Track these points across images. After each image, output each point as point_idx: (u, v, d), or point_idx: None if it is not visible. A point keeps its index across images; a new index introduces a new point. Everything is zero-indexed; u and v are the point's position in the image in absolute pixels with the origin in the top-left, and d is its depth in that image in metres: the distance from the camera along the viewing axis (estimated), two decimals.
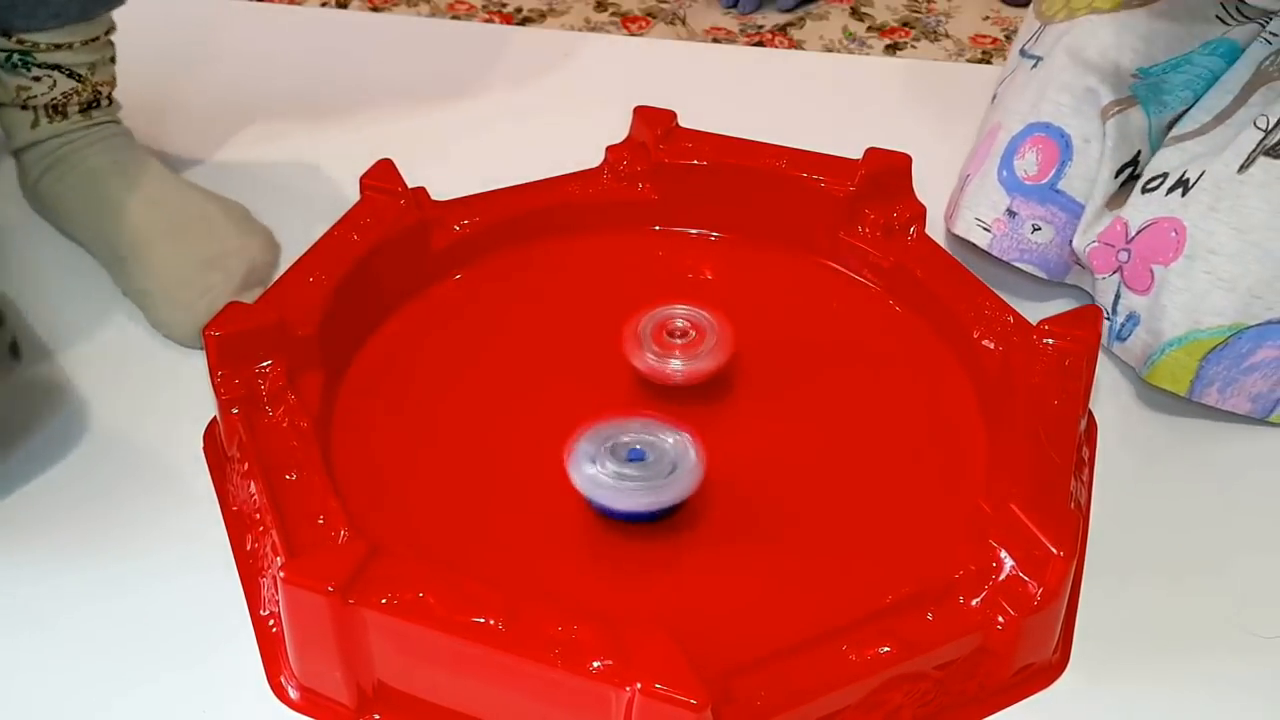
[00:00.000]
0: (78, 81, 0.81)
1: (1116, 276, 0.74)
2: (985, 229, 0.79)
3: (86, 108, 0.82)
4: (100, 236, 0.80)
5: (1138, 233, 0.73)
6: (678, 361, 0.68)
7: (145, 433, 0.72)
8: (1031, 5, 0.87)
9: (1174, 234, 0.71)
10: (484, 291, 0.78)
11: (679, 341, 0.69)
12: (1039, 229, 0.78)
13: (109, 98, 0.84)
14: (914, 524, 0.64)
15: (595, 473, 0.61)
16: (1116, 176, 0.77)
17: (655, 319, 0.70)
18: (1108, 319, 0.75)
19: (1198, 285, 0.70)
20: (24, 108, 0.82)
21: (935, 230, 0.78)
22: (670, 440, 0.62)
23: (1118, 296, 0.74)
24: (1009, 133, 0.80)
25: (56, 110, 0.81)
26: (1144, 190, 0.74)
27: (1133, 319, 0.73)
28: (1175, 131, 0.77)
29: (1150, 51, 0.78)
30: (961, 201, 0.81)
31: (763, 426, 0.70)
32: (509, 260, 0.79)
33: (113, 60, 0.84)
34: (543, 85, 1.05)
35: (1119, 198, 0.77)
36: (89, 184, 0.81)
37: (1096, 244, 0.75)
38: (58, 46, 0.80)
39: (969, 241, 0.81)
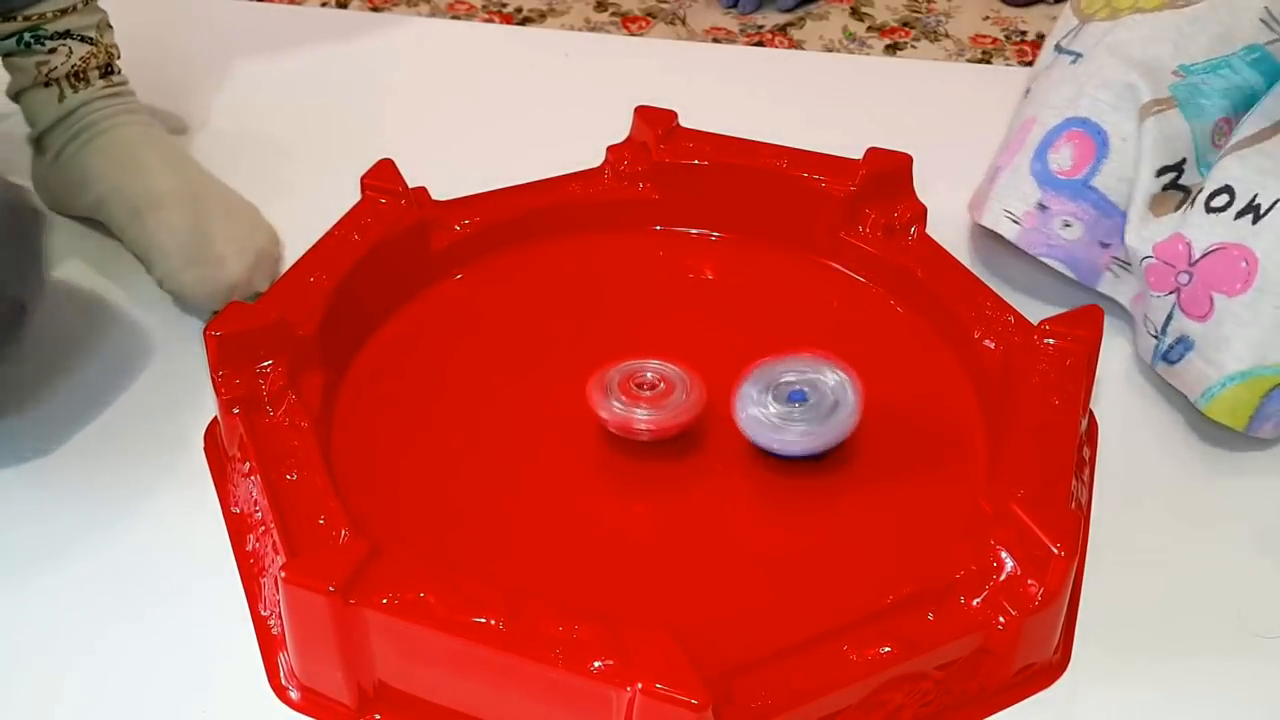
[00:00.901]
0: (91, 45, 0.82)
1: (1172, 297, 0.72)
2: (1014, 221, 0.79)
3: (105, 72, 0.84)
4: (117, 190, 0.81)
5: (1202, 256, 0.71)
6: (644, 412, 0.65)
7: (145, 432, 0.72)
8: (1069, 3, 0.87)
9: (1244, 264, 0.69)
10: (484, 291, 0.78)
11: (647, 394, 0.66)
12: (1069, 225, 0.77)
13: (118, 66, 0.85)
14: (914, 524, 0.64)
15: (758, 414, 0.64)
16: (1158, 176, 0.76)
17: (623, 371, 0.67)
18: (1155, 338, 0.73)
19: (1265, 319, 0.68)
20: (47, 84, 0.82)
21: (936, 230, 0.78)
22: (832, 380, 0.65)
23: (1169, 318, 0.72)
24: (1044, 126, 0.79)
25: (79, 78, 0.83)
26: (1208, 209, 0.72)
27: (1184, 343, 0.71)
28: (1235, 138, 0.75)
29: (1192, 50, 0.78)
30: (991, 193, 0.80)
31: None
32: (509, 260, 0.79)
33: (110, 25, 0.86)
34: (543, 85, 1.05)
35: (1164, 201, 0.76)
36: (116, 142, 0.82)
37: (1154, 260, 0.73)
38: (63, 12, 0.81)
39: (970, 238, 0.80)
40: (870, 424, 0.70)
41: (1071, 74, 0.80)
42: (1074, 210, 0.77)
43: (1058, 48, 0.84)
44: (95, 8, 0.84)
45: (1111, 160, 0.76)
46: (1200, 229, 0.72)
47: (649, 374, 0.67)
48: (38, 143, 0.85)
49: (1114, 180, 0.76)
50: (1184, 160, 0.76)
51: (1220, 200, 0.72)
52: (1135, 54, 0.78)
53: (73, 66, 0.82)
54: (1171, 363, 0.72)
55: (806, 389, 0.65)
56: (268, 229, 0.81)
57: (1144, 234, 0.75)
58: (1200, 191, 0.73)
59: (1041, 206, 0.78)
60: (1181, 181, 0.76)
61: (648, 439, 0.66)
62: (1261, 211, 0.69)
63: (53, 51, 0.81)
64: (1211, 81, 0.77)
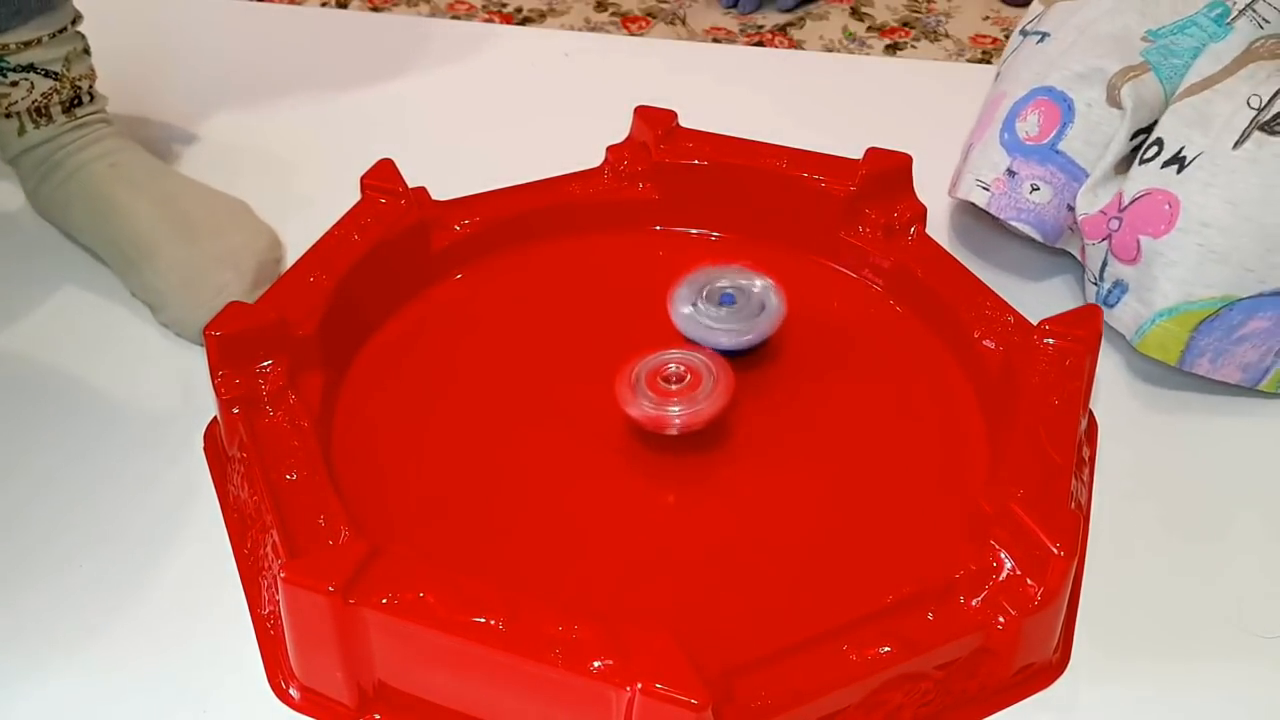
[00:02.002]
0: (55, 80, 0.80)
1: (1105, 244, 0.75)
2: (985, 188, 0.80)
3: (69, 106, 0.82)
4: (106, 241, 0.80)
5: (1131, 202, 0.74)
6: (675, 408, 0.65)
7: (145, 433, 0.72)
8: None
9: (1167, 206, 0.72)
10: (484, 291, 0.78)
11: (675, 388, 0.66)
12: (1037, 189, 0.79)
13: (90, 93, 0.83)
14: (914, 524, 0.64)
15: (692, 313, 0.70)
16: (1131, 140, 0.77)
17: (649, 365, 0.67)
18: (1095, 284, 0.76)
19: (1190, 258, 0.71)
20: (7, 115, 0.81)
21: (936, 230, 0.78)
22: (758, 285, 0.72)
23: (1104, 263, 0.75)
24: (1012, 99, 0.80)
25: (40, 113, 0.81)
26: (1141, 161, 0.75)
27: (1120, 286, 0.74)
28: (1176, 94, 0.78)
29: (1158, 14, 0.79)
30: (964, 169, 0.82)
31: (763, 426, 0.70)
32: (509, 260, 0.79)
33: (86, 52, 0.83)
34: (543, 85, 1.05)
35: (1125, 163, 0.78)
36: (88, 190, 0.81)
37: (1090, 212, 0.76)
38: (27, 45, 0.79)
39: (970, 239, 0.80)
40: (870, 424, 0.70)
41: (1039, 51, 0.81)
42: (1041, 174, 0.79)
43: (1023, 31, 0.86)
44: (66, 38, 0.81)
45: (1077, 125, 0.78)
46: (1132, 180, 0.75)
47: (673, 366, 0.68)
48: (13, 165, 0.84)
49: (1080, 144, 0.78)
50: (1155, 123, 0.77)
51: (1151, 151, 0.75)
52: (1103, 29, 0.79)
53: (34, 102, 0.80)
54: (1110, 306, 0.75)
55: (735, 293, 0.71)
56: (264, 232, 0.81)
57: (1099, 194, 0.76)
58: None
59: (1010, 173, 0.79)
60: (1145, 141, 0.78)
61: (679, 433, 0.66)
62: (1186, 161, 0.72)
63: (14, 85, 0.79)
64: (1181, 41, 0.78)
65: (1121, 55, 0.78)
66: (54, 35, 0.80)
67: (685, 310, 0.70)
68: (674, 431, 0.66)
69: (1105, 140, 0.77)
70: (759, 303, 0.71)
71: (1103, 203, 0.76)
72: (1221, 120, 0.73)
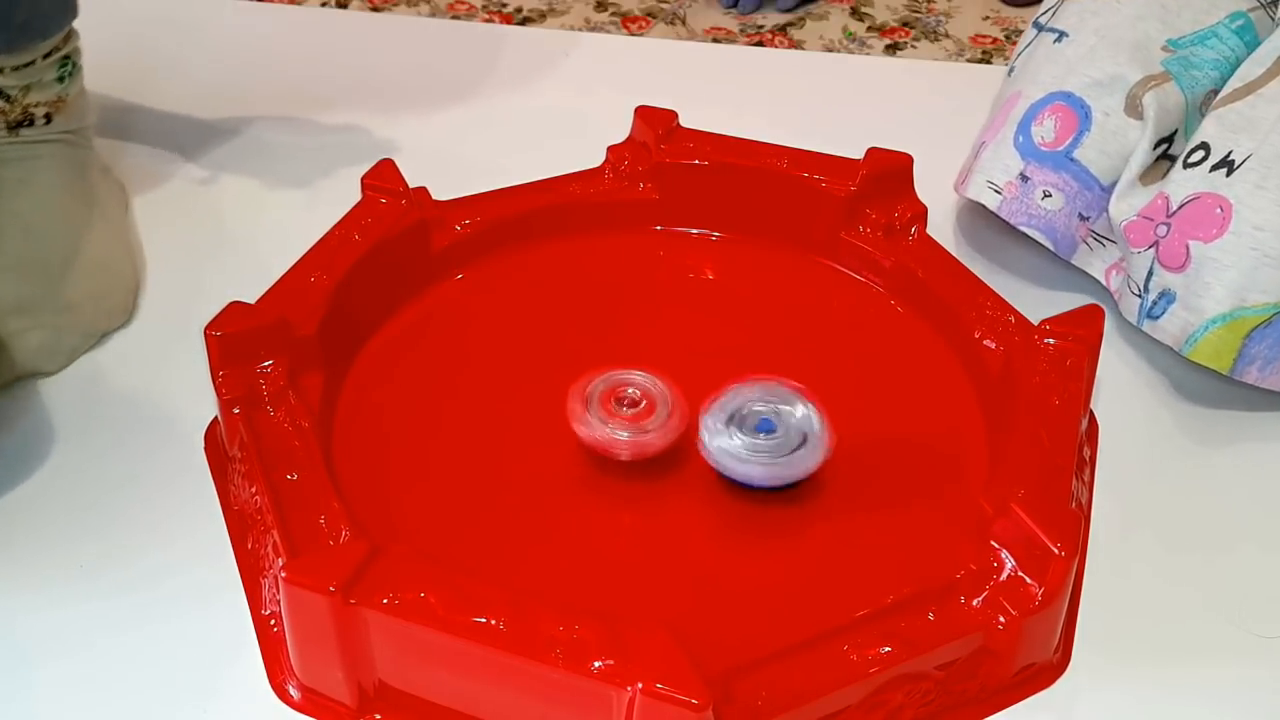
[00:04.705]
0: (5, 100, 0.79)
1: (1151, 252, 0.73)
2: (996, 191, 0.80)
3: (14, 127, 0.80)
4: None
5: (1180, 207, 0.72)
6: (624, 432, 0.64)
7: (145, 433, 0.72)
8: None
9: (1219, 210, 0.70)
10: (484, 291, 0.78)
11: (628, 411, 0.64)
12: (1049, 195, 0.78)
13: (47, 117, 0.81)
14: (914, 524, 0.64)
15: (725, 443, 0.62)
16: (1155, 149, 0.77)
17: (605, 384, 0.65)
18: (1138, 296, 0.75)
19: (1244, 262, 0.70)
20: None
21: (936, 230, 0.78)
22: (799, 412, 0.63)
23: (1150, 273, 0.74)
24: (1029, 100, 0.80)
25: None
26: (1185, 165, 0.74)
27: (1167, 296, 0.72)
28: (1215, 100, 0.77)
29: (1179, 24, 0.79)
30: (975, 166, 0.81)
31: None
32: (509, 260, 0.79)
33: (60, 80, 0.81)
34: (543, 85, 1.05)
35: (1153, 172, 0.77)
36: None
37: (1135, 218, 0.75)
38: None
39: (970, 238, 0.80)
40: (871, 424, 0.70)
41: (1058, 53, 0.81)
42: (1055, 181, 0.78)
43: (1038, 24, 0.85)
44: (35, 69, 0.79)
45: (1094, 133, 0.77)
46: (1178, 184, 0.73)
47: (631, 390, 0.65)
48: None
49: (1095, 153, 0.77)
50: (1175, 132, 0.77)
51: (1196, 156, 0.73)
52: (1124, 35, 0.79)
53: None
54: (1155, 318, 0.73)
55: (773, 419, 0.63)
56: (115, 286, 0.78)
57: (1131, 201, 0.76)
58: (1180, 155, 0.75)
59: (1023, 177, 0.79)
60: (1170, 151, 0.78)
61: (627, 459, 0.64)
62: (1235, 165, 0.71)
63: None
64: (1201, 53, 0.78)
65: (1142, 64, 0.77)
66: (16, 69, 0.78)
67: (719, 442, 0.63)
68: (624, 457, 0.64)
69: (1120, 150, 0.77)
70: (801, 433, 0.63)
71: (1140, 205, 0.75)
72: (1269, 123, 0.72)
